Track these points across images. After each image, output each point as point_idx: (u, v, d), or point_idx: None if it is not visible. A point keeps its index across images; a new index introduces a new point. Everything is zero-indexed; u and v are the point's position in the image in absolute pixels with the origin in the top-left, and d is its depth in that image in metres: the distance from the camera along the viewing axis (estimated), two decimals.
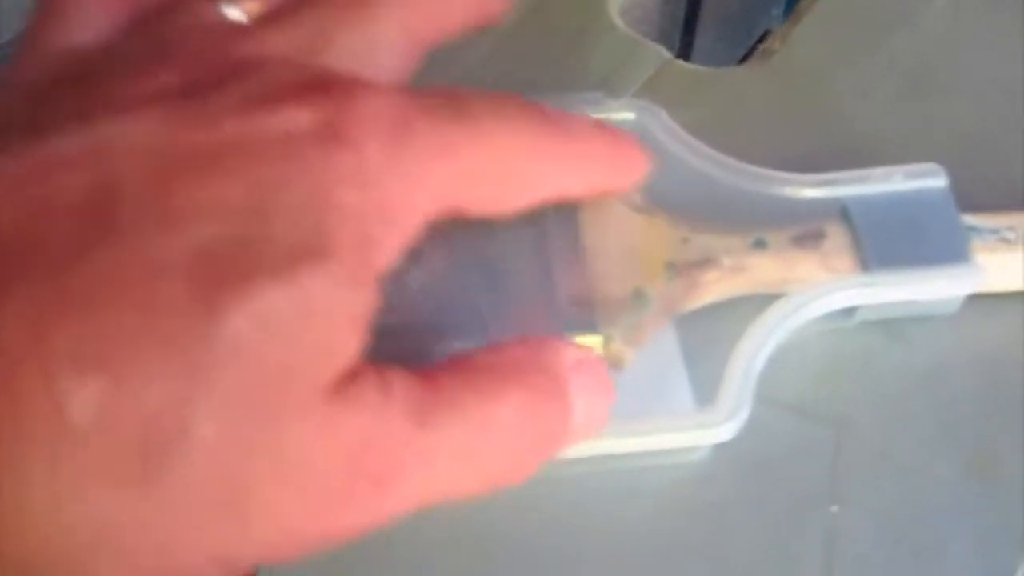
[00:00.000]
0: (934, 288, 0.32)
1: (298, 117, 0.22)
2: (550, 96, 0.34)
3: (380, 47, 0.25)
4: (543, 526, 0.30)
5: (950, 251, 0.32)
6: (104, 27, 0.24)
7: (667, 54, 0.39)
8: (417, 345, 0.30)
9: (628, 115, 0.34)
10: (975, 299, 0.33)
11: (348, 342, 0.22)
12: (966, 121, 0.38)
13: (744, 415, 0.29)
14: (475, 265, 0.32)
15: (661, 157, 0.34)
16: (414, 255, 0.32)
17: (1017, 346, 0.33)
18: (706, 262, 0.32)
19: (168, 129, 0.21)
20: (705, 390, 0.31)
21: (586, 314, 0.31)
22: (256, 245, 0.20)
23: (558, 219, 0.32)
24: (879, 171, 0.34)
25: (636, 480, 0.31)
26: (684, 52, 0.54)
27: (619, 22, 0.41)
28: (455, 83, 0.38)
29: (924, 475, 0.31)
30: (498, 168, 0.25)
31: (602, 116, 0.34)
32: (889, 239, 0.32)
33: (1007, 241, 0.33)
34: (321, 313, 0.21)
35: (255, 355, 0.20)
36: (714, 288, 0.32)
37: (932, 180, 0.34)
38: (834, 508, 0.30)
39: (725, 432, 0.29)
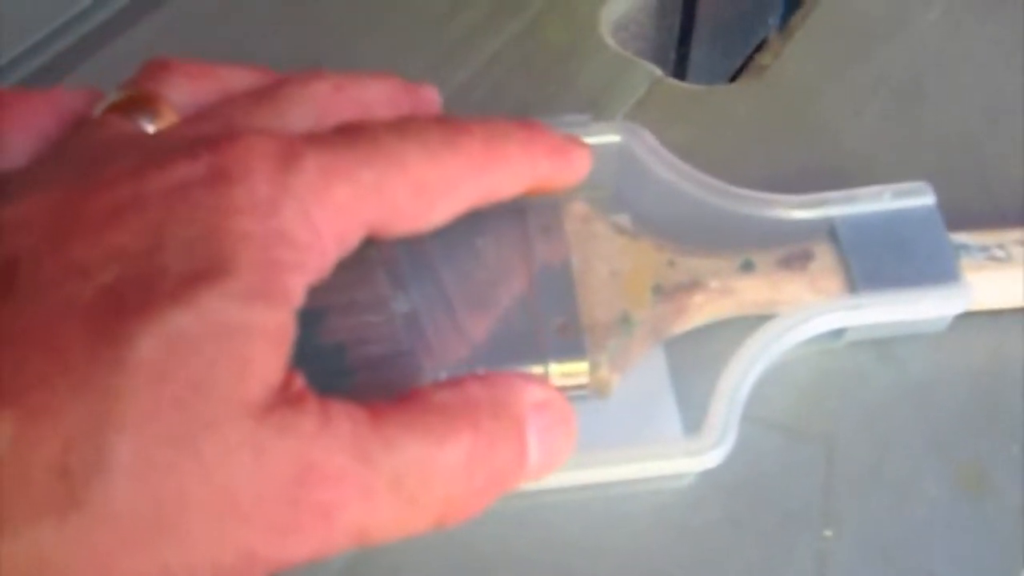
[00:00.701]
0: (923, 308, 0.32)
1: (189, 168, 0.23)
2: (537, 118, 0.35)
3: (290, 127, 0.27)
4: (530, 552, 0.30)
5: (939, 270, 0.32)
6: (26, 150, 0.26)
7: (658, 72, 0.39)
8: (404, 374, 0.31)
9: (614, 137, 0.34)
10: (965, 316, 0.33)
11: (265, 360, 0.22)
12: (956, 137, 0.38)
13: (731, 442, 0.29)
14: (462, 292, 0.32)
15: (647, 179, 0.34)
16: (398, 281, 0.32)
17: (1007, 363, 0.33)
18: (693, 285, 0.32)
19: (67, 201, 0.23)
20: (694, 414, 0.31)
21: (573, 340, 0.31)
22: (155, 277, 0.21)
23: (545, 245, 0.33)
24: (867, 190, 0.34)
25: (624, 505, 0.31)
26: (680, 65, 0.54)
27: (610, 41, 0.41)
28: (444, 99, 0.39)
29: (915, 494, 0.31)
30: (404, 182, 0.26)
31: (588, 140, 0.34)
32: (877, 259, 0.32)
33: (996, 259, 0.33)
34: (228, 330, 0.21)
35: (165, 375, 0.21)
36: (702, 311, 0.32)
37: (920, 198, 0.33)
38: (828, 532, 0.30)
39: (711, 459, 0.29)
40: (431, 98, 0.32)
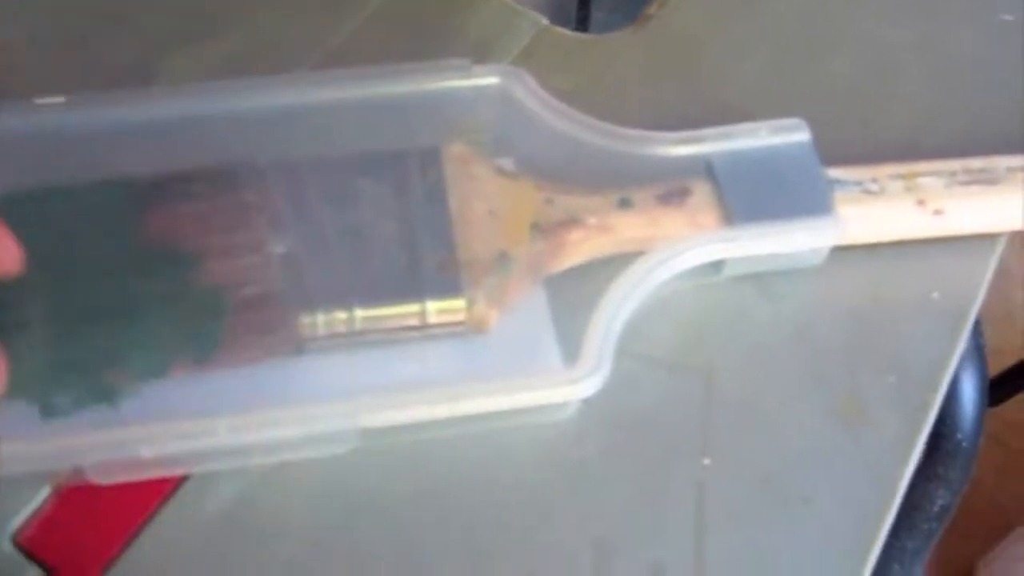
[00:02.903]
0: (798, 240, 0.33)
1: None
2: (417, 65, 0.35)
3: None
4: (415, 487, 0.30)
5: (814, 203, 0.33)
6: None
7: (544, 21, 0.40)
8: (280, 314, 0.30)
9: (493, 79, 0.35)
10: (841, 252, 0.34)
11: None
12: (838, 85, 0.38)
13: (606, 370, 0.30)
14: (340, 232, 0.32)
15: (528, 121, 0.34)
16: (276, 223, 0.32)
17: (883, 297, 0.34)
18: (571, 222, 0.32)
19: None
20: (573, 349, 0.31)
21: (450, 278, 0.31)
22: None
23: (423, 185, 0.33)
24: (743, 127, 0.34)
25: (507, 439, 0.31)
26: (581, 25, 0.54)
27: None
28: (328, 56, 0.38)
29: (793, 424, 0.32)
30: None
31: (468, 83, 0.35)
32: (753, 194, 0.33)
33: (870, 192, 0.34)
34: None
35: None
36: (580, 248, 0.32)
37: (796, 134, 0.34)
38: (706, 461, 0.31)
39: (587, 388, 0.30)
40: None
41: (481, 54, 0.38)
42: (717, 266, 0.33)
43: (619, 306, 0.31)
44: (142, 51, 0.39)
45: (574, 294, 0.33)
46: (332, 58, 0.39)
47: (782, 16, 0.40)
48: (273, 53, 0.39)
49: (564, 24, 0.41)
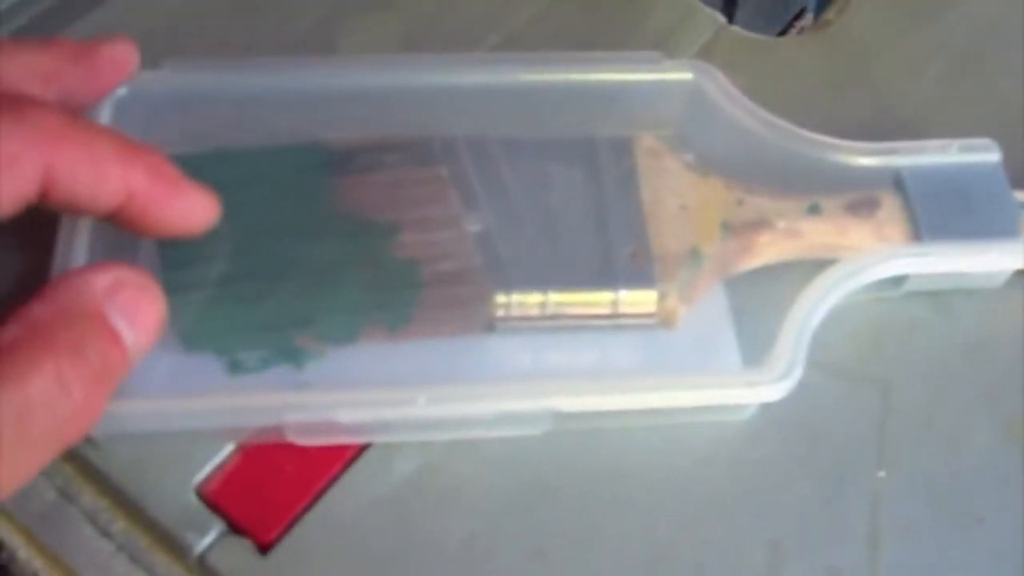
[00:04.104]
0: (983, 261, 0.32)
1: None
2: (609, 54, 0.35)
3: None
4: (590, 477, 0.30)
5: (1001, 225, 0.33)
6: None
7: (722, 19, 0.40)
8: (475, 291, 0.31)
9: (686, 75, 0.35)
10: (1021, 275, 0.33)
11: None
12: (1017, 98, 0.38)
13: (796, 376, 0.30)
14: (533, 215, 0.32)
15: (717, 118, 0.34)
16: (471, 201, 0.32)
17: None
18: (761, 224, 0.32)
19: None
20: (752, 351, 0.31)
21: (644, 269, 0.31)
22: None
23: (616, 174, 0.33)
24: (934, 143, 0.34)
25: (684, 435, 0.31)
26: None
27: None
28: (506, 38, 0.39)
29: (966, 442, 0.32)
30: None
31: (660, 76, 0.35)
32: (941, 211, 0.33)
33: None
34: None
35: None
36: (767, 250, 0.32)
37: (985, 154, 0.34)
38: (881, 473, 0.31)
39: (776, 391, 0.30)
40: (119, 58, 0.31)
41: (660, 48, 0.38)
42: (897, 281, 0.33)
43: (811, 313, 0.31)
44: (319, 19, 0.39)
45: (752, 296, 0.33)
46: (509, 40, 0.39)
47: (965, 27, 0.40)
48: (451, 31, 0.39)
49: None
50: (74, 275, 0.26)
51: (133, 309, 0.26)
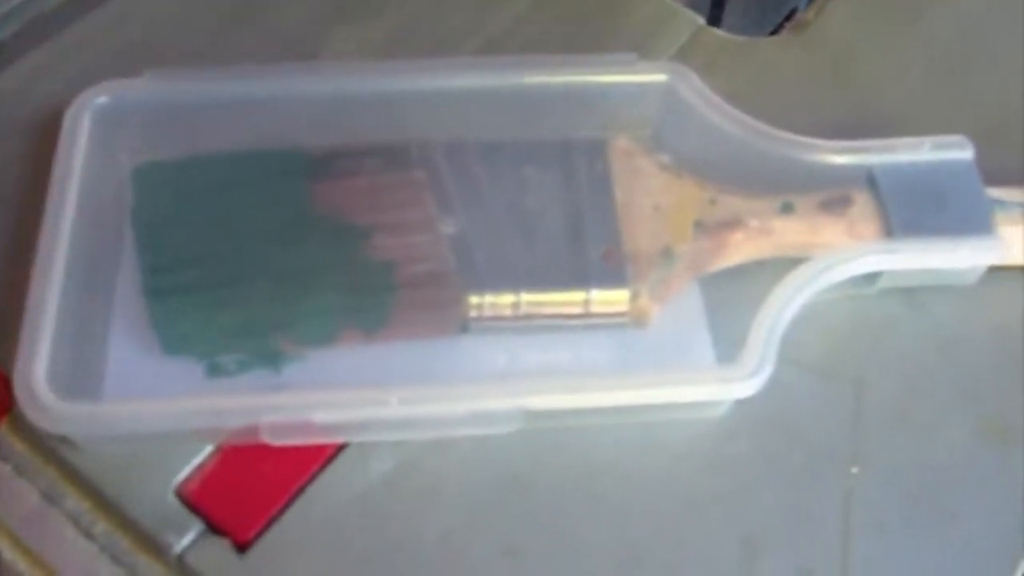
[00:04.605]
0: (956, 257, 0.33)
1: None
2: (584, 57, 0.35)
3: None
4: (565, 474, 0.31)
5: (974, 222, 0.33)
6: None
7: (701, 21, 0.40)
8: (449, 293, 0.31)
9: (660, 77, 0.35)
10: (994, 272, 0.34)
11: None
12: (996, 98, 0.38)
13: (768, 372, 0.30)
14: (508, 217, 0.32)
15: (692, 119, 0.35)
16: (446, 204, 0.32)
17: None
18: (734, 223, 0.33)
19: None
20: (726, 349, 0.32)
21: (616, 269, 0.31)
22: None
23: (590, 176, 0.33)
24: (906, 141, 0.34)
25: (658, 432, 0.31)
26: (713, 24, 0.54)
27: None
28: (488, 42, 0.39)
29: (940, 439, 0.32)
30: None
31: (635, 78, 0.35)
32: (914, 208, 0.33)
33: None
34: None
35: None
36: (740, 249, 0.33)
37: (959, 152, 0.34)
38: (855, 469, 0.31)
39: (749, 388, 0.30)
40: None
41: (638, 50, 0.38)
42: (871, 278, 0.33)
43: (782, 310, 0.31)
44: (302, 26, 0.40)
45: (726, 294, 0.33)
46: (491, 44, 0.39)
47: (942, 28, 0.40)
48: (432, 36, 0.39)
49: None
50: None
51: None
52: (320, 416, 0.29)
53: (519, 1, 0.40)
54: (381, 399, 0.29)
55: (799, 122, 0.35)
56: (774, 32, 0.57)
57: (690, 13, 0.40)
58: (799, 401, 0.32)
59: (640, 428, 0.31)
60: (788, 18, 0.58)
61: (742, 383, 0.30)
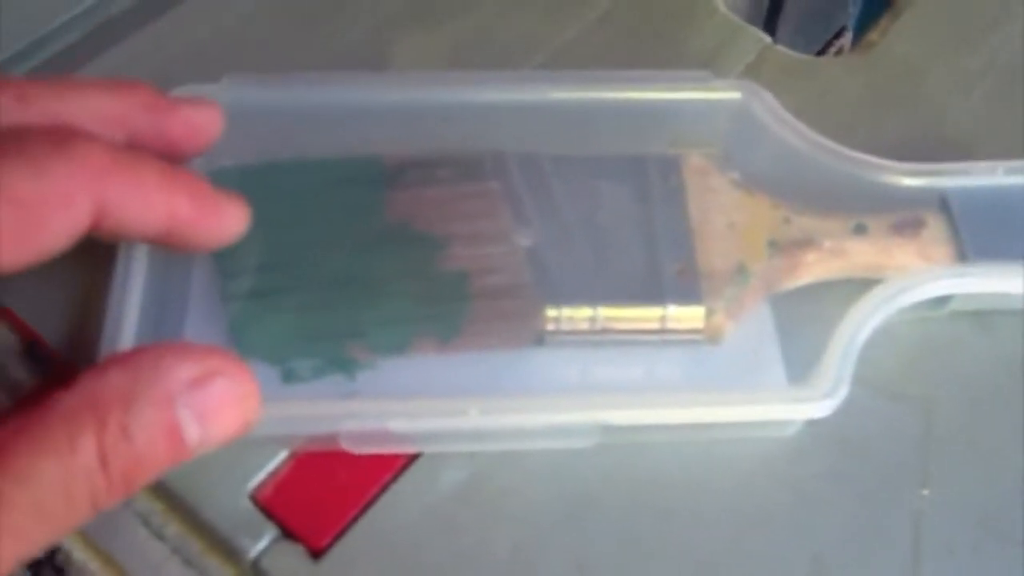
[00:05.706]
0: None
1: None
2: (659, 73, 0.36)
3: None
4: (634, 490, 0.31)
5: None
6: None
7: (767, 39, 0.40)
8: (524, 305, 0.31)
9: (734, 95, 0.35)
10: None
11: None
12: None
13: (843, 394, 0.30)
14: (583, 231, 0.32)
15: (764, 138, 0.35)
16: (521, 216, 0.33)
17: None
18: (807, 243, 0.33)
19: None
20: (797, 368, 0.32)
21: (691, 285, 0.31)
22: None
23: (664, 192, 0.33)
24: (980, 164, 0.34)
25: (728, 450, 0.31)
26: None
27: (720, 5, 0.41)
28: (553, 55, 0.39)
29: (1012, 464, 0.32)
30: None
31: (709, 95, 0.35)
32: (987, 232, 0.33)
33: None
34: None
35: None
36: (812, 269, 0.33)
37: None
38: (925, 491, 0.31)
39: (824, 408, 0.30)
40: (195, 121, 0.30)
41: (706, 67, 0.38)
42: (942, 300, 0.33)
43: (857, 331, 0.31)
44: (368, 34, 0.40)
45: (798, 314, 0.33)
46: (556, 58, 0.39)
47: (1008, 49, 0.40)
48: (499, 48, 0.40)
49: None
50: (163, 353, 0.26)
51: (210, 409, 0.26)
52: (399, 425, 0.29)
53: (585, 15, 0.40)
54: (460, 409, 0.29)
55: (866, 142, 0.35)
56: (821, 51, 0.57)
57: (757, 31, 0.40)
58: (869, 421, 0.32)
59: (711, 446, 0.31)
60: (837, 36, 0.59)
61: (818, 403, 0.30)
